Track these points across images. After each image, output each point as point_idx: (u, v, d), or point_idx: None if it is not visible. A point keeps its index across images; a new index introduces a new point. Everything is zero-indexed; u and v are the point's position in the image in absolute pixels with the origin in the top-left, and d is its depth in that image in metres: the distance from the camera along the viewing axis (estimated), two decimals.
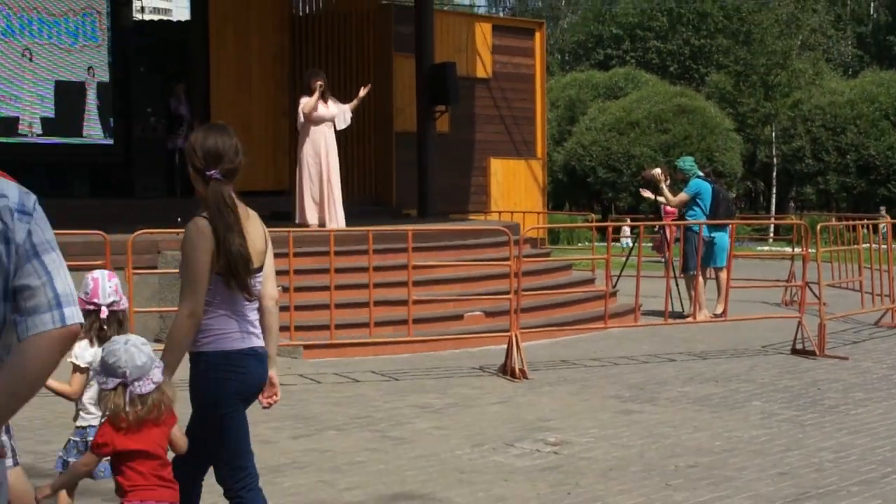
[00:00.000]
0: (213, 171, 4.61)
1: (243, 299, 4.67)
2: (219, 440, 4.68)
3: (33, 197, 2.69)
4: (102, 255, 9.67)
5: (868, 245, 15.56)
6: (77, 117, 18.00)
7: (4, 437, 3.01)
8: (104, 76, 18.17)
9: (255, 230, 4.73)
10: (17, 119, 17.50)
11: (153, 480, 4.26)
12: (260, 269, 4.72)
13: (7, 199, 2.62)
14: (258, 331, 4.75)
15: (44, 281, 2.64)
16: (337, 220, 14.40)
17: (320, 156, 14.42)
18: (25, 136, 17.54)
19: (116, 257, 10.04)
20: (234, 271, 4.58)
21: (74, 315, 2.67)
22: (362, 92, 14.92)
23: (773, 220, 31.95)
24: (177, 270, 11.90)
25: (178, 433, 4.42)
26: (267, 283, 4.81)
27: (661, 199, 15.61)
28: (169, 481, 4.32)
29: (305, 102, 14.34)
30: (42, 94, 17.66)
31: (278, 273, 12.95)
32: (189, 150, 4.68)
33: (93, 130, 18.13)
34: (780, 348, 12.42)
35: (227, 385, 4.63)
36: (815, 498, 6.43)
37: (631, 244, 14.63)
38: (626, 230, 29.03)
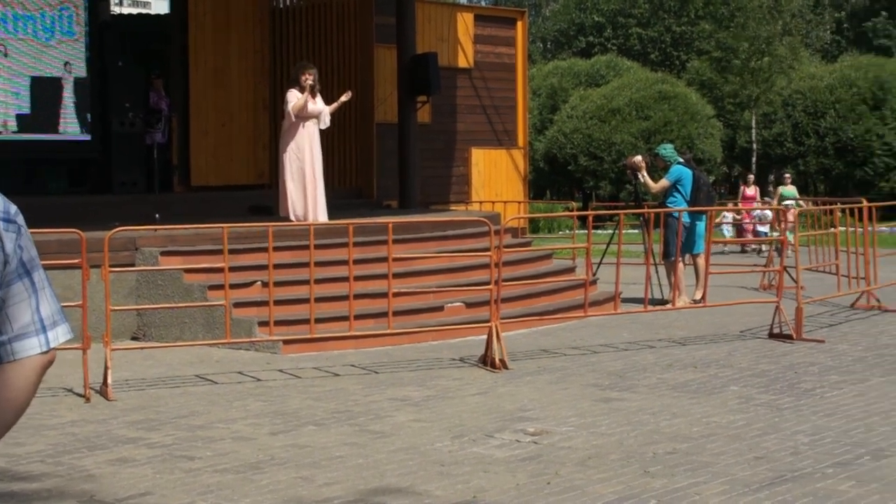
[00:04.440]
0: None
1: None
2: None
3: (15, 206, 2.63)
4: (79, 254, 9.63)
5: (844, 228, 15.62)
6: (53, 113, 17.84)
7: None
8: (81, 71, 18.03)
9: None
10: None
11: None
12: None
13: None
14: None
15: (31, 303, 2.58)
16: (320, 214, 14.40)
17: (304, 151, 14.36)
18: (0, 133, 17.43)
19: (93, 255, 10.01)
20: None
21: (58, 338, 2.62)
22: (344, 97, 14.84)
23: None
24: (154, 268, 11.90)
25: None
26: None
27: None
28: None
29: (294, 103, 14.23)
30: (17, 90, 17.55)
31: (257, 268, 12.85)
32: None
33: (69, 126, 18.00)
34: (757, 333, 12.49)
35: None
36: (791, 481, 6.47)
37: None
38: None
